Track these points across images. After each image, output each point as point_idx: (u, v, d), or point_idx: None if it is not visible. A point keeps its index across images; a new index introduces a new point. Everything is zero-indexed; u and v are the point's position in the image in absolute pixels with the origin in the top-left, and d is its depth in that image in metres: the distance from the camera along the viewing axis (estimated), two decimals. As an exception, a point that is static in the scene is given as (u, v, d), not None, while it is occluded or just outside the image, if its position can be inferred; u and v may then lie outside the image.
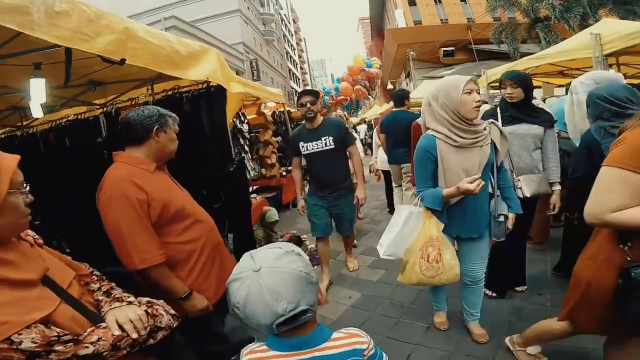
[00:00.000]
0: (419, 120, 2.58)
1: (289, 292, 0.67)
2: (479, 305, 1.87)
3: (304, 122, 2.67)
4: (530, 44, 14.43)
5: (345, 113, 5.33)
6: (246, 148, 3.60)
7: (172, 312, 1.01)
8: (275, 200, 5.19)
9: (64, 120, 3.24)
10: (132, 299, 0.96)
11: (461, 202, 1.62)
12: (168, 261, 1.27)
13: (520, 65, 4.16)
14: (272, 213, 3.16)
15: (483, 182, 1.43)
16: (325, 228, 2.70)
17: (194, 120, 2.54)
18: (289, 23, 50.70)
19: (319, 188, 2.68)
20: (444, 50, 17.04)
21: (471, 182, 1.42)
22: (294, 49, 51.65)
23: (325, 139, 2.53)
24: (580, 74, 4.28)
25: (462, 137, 1.54)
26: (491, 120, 1.67)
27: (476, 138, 1.55)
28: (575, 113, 2.19)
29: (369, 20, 34.23)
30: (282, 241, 3.20)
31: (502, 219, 1.66)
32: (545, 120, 2.00)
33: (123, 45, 1.69)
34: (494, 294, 2.22)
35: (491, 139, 1.60)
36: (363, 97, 5.62)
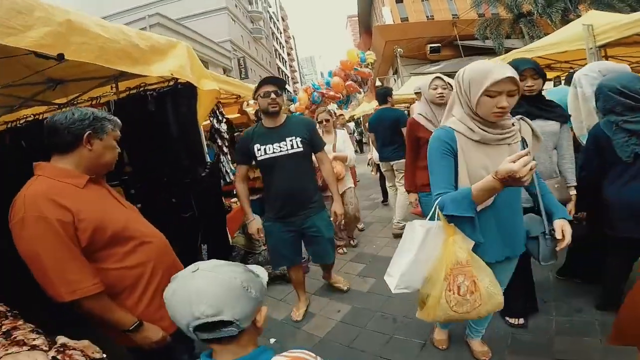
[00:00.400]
0: (416, 117, 2.28)
1: (213, 297, 0.64)
2: (488, 320, 1.67)
3: (261, 120, 2.11)
4: (514, 39, 14.66)
5: (336, 107, 5.13)
6: (225, 149, 3.35)
7: (98, 355, 0.86)
8: (260, 203, 4.95)
9: (21, 121, 2.98)
10: (39, 341, 0.80)
11: (485, 214, 1.23)
12: (109, 290, 1.07)
13: (510, 58, 4.05)
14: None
15: (535, 163, 0.98)
16: (296, 257, 2.20)
17: (159, 120, 2.30)
18: (278, 21, 50.24)
19: (280, 208, 2.07)
20: (431, 47, 17.05)
21: (514, 161, 0.96)
22: (283, 47, 51.22)
23: (291, 140, 2.00)
24: (569, 67, 4.23)
25: (485, 131, 1.20)
26: (520, 115, 1.32)
27: (504, 134, 1.22)
28: (582, 108, 1.99)
29: (357, 18, 34.13)
30: (265, 249, 2.97)
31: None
32: (561, 114, 1.77)
33: (63, 39, 1.52)
34: (520, 321, 1.85)
35: (522, 137, 1.28)
36: (355, 93, 5.43)
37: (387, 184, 4.00)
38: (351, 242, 3.48)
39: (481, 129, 1.20)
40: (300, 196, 2.06)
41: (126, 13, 19.43)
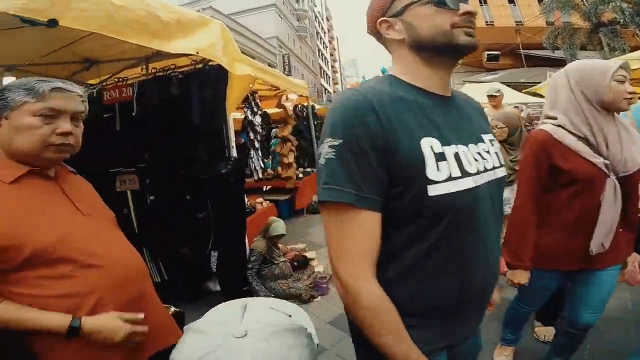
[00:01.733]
0: (550, 129, 1.22)
1: None
2: None
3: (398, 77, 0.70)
4: (590, 50, 13.04)
5: None
6: (256, 144, 3.05)
7: None
8: (288, 205, 4.67)
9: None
10: None
11: None
12: None
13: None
14: (277, 226, 2.57)
15: None
16: None
17: (182, 106, 2.03)
18: (323, 20, 50.39)
19: (453, 315, 0.66)
20: (488, 54, 15.76)
21: None
22: (326, 47, 51.31)
23: (490, 145, 0.72)
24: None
25: None
26: None
27: None
28: None
29: (407, 21, 32.81)
30: (286, 260, 2.62)
31: None
32: None
33: (62, 4, 1.35)
34: None
35: None
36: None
37: None
38: None
39: None
40: (487, 291, 0.73)
41: (182, 7, 20.62)
